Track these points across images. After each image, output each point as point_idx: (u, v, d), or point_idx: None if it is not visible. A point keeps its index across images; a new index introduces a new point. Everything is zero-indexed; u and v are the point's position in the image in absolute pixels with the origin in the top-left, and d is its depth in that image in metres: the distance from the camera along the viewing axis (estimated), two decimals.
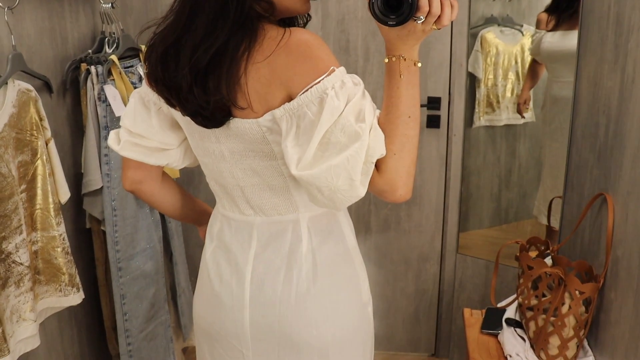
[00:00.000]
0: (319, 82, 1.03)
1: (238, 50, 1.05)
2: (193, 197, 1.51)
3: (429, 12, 1.00)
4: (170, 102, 1.17)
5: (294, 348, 1.23)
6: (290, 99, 1.06)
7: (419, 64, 1.08)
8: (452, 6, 1.01)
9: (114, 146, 1.30)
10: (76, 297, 1.92)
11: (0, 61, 1.76)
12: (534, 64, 2.55)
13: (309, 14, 1.28)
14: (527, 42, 2.55)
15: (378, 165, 1.07)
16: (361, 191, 1.05)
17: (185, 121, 1.20)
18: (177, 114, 1.22)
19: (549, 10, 2.38)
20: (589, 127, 1.83)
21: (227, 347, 1.30)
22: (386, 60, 1.08)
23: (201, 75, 1.06)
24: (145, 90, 1.25)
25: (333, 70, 1.04)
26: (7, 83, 1.69)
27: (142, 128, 1.27)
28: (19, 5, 1.77)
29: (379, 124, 1.07)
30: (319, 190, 1.05)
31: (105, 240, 2.15)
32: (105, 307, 2.28)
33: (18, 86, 1.73)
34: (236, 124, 1.12)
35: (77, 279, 1.92)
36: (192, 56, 1.06)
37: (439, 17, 1.01)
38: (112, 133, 1.32)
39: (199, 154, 1.27)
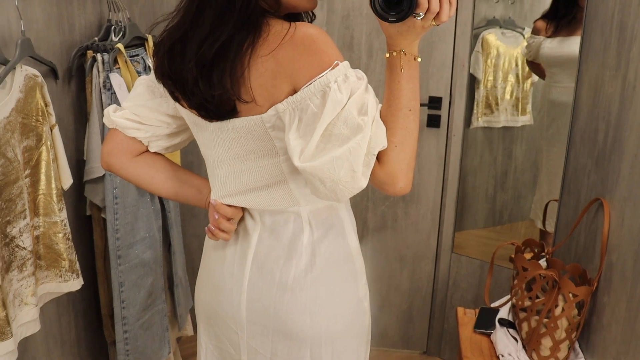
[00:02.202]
0: (322, 75, 1.05)
1: (242, 44, 1.07)
2: (188, 174, 1.39)
3: (428, 8, 1.03)
4: (175, 96, 1.20)
5: (287, 334, 1.25)
6: (294, 92, 1.08)
7: (419, 59, 1.11)
8: (450, 3, 1.05)
9: (109, 115, 1.31)
10: (76, 283, 1.93)
11: (8, 45, 1.77)
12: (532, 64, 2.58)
13: (313, 13, 1.30)
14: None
15: (379, 157, 1.09)
16: (363, 182, 1.07)
17: (192, 122, 1.23)
18: (182, 110, 1.24)
19: (547, 16, 2.40)
20: (588, 132, 1.85)
21: (223, 327, 1.33)
22: (387, 55, 1.11)
23: (206, 69, 1.09)
24: (152, 78, 1.28)
25: (337, 64, 1.06)
26: (14, 68, 1.70)
27: (143, 112, 1.29)
28: None
29: (380, 117, 1.10)
30: (321, 181, 1.07)
31: (105, 228, 2.16)
32: (103, 294, 2.29)
33: (25, 71, 1.74)
34: (240, 123, 1.14)
35: (77, 265, 1.93)
36: (198, 50, 1.09)
37: (438, 13, 1.04)
38: (112, 107, 1.33)
39: (202, 152, 1.30)
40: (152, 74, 1.27)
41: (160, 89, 1.25)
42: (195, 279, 1.45)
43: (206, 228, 1.29)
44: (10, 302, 1.71)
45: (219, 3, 1.08)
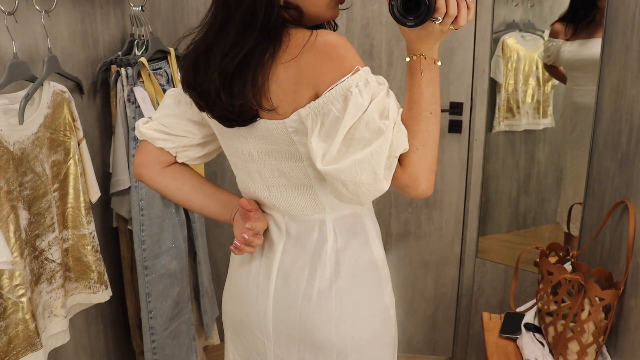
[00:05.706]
0: (343, 80, 1.07)
1: (264, 56, 1.10)
2: (215, 188, 1.40)
3: (446, 13, 1.04)
4: (200, 106, 1.23)
5: (313, 344, 1.26)
6: (316, 97, 1.10)
7: (439, 63, 1.13)
8: (468, 7, 1.06)
9: (138, 127, 1.35)
10: (104, 295, 1.96)
11: (35, 62, 1.81)
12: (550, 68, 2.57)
13: (335, 23, 1.32)
14: None
15: (401, 160, 1.11)
16: (385, 185, 1.09)
17: (215, 122, 1.25)
18: (207, 116, 1.26)
19: (565, 19, 2.39)
20: (611, 134, 1.84)
21: (250, 337, 1.35)
22: (407, 59, 1.13)
23: (228, 80, 1.11)
24: (180, 90, 1.32)
25: (358, 70, 1.08)
26: (42, 84, 1.74)
27: (170, 121, 1.33)
28: (54, 8, 1.81)
29: (402, 120, 1.11)
30: (343, 184, 1.09)
31: (131, 239, 2.20)
32: (131, 304, 2.32)
33: (53, 87, 1.77)
34: (263, 124, 1.16)
35: (106, 277, 1.96)
36: (221, 62, 1.12)
37: (456, 18, 1.05)
38: (142, 119, 1.37)
39: (228, 154, 1.32)
40: (180, 86, 1.31)
41: (186, 98, 1.29)
42: (221, 287, 1.47)
43: (231, 246, 1.29)
44: (40, 313, 1.74)
45: (242, 16, 1.11)
